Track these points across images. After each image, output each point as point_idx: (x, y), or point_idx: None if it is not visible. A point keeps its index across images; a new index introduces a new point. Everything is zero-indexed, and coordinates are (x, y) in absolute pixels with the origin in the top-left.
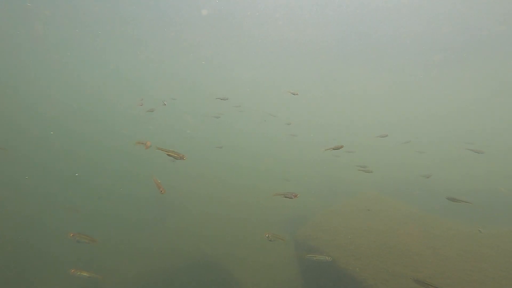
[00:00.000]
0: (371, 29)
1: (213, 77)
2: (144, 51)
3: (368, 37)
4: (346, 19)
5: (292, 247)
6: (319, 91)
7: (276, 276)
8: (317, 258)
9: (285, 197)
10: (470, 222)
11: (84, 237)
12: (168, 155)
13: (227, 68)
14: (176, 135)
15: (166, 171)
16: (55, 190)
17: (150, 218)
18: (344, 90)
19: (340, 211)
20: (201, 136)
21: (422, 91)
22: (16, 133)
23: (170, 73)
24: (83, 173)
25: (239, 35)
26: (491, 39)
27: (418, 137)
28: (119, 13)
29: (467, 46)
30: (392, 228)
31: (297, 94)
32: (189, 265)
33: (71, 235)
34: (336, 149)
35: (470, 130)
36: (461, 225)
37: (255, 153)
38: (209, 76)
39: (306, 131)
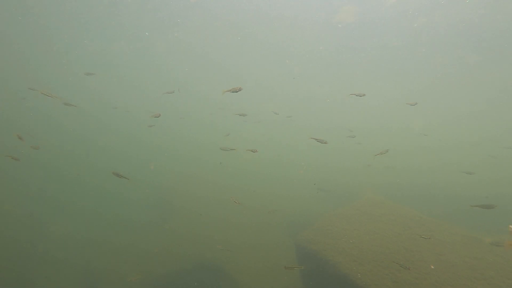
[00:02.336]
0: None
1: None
2: None
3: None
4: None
5: (293, 251)
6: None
7: (276, 280)
8: None
9: None
10: (476, 228)
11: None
12: None
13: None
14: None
15: (167, 172)
16: (57, 190)
17: (150, 220)
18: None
19: (343, 215)
20: (202, 138)
21: (432, 97)
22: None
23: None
24: (86, 174)
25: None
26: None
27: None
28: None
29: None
30: (396, 233)
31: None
32: (189, 268)
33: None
34: None
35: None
36: (467, 231)
37: (260, 157)
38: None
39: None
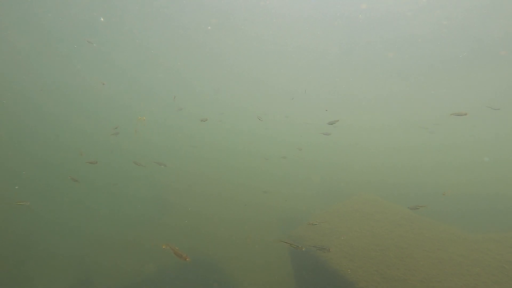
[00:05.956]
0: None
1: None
2: None
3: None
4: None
5: (285, 247)
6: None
7: (269, 275)
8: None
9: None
10: (463, 226)
11: None
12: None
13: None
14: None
15: (164, 170)
16: (55, 186)
17: (146, 216)
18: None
19: (335, 212)
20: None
21: (425, 95)
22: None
23: None
24: (84, 171)
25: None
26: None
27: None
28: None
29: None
30: (386, 230)
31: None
32: (184, 263)
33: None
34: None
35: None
36: (455, 229)
37: (254, 153)
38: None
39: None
